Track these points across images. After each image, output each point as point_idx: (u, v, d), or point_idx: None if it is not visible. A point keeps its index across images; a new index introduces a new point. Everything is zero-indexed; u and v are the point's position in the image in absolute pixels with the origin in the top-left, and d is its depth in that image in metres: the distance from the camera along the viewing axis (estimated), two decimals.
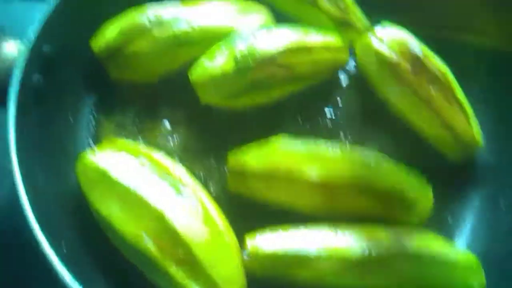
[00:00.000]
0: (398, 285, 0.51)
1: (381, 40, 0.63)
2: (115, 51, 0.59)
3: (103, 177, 0.50)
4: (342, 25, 0.68)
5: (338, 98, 0.66)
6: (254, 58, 0.57)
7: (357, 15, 0.69)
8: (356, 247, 0.51)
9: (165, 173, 0.51)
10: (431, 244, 0.53)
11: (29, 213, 0.46)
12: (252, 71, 0.57)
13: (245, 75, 0.57)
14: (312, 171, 0.53)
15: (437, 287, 0.52)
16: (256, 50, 0.58)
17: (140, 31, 0.59)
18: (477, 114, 0.62)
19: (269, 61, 0.58)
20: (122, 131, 0.61)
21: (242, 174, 0.55)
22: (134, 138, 0.61)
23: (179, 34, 0.60)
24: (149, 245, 0.47)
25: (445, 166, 0.62)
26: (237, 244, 0.52)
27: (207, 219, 0.50)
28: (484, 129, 0.62)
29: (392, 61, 0.62)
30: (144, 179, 0.50)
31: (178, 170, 0.53)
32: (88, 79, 0.62)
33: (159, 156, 0.54)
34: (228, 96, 0.59)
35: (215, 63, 0.58)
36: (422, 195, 0.56)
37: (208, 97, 0.60)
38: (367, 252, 0.51)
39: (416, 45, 0.63)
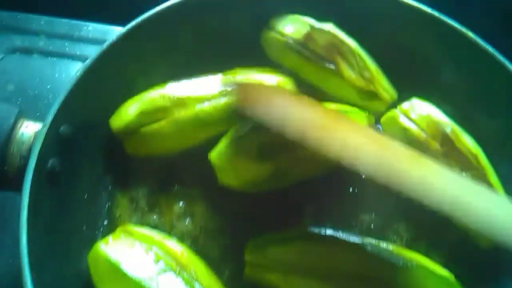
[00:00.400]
0: None
1: (408, 115, 0.61)
2: (134, 131, 0.58)
3: (115, 271, 0.49)
4: (367, 95, 0.65)
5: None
6: (279, 146, 0.55)
7: (384, 85, 0.66)
8: None
9: (180, 268, 0.50)
10: None
11: None
12: (277, 159, 0.55)
13: (269, 163, 0.55)
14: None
15: None
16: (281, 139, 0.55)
17: (161, 112, 0.58)
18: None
19: (296, 148, 0.54)
20: (137, 208, 0.60)
21: (261, 266, 0.52)
22: (149, 216, 0.59)
23: (201, 114, 0.58)
24: None
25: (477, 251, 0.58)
26: None
27: None
28: None
29: (421, 140, 0.59)
30: (158, 275, 0.48)
31: (194, 263, 0.51)
32: (105, 157, 0.61)
33: (175, 247, 0.52)
34: (249, 183, 0.57)
35: (236, 150, 0.56)
36: None
37: (227, 181, 0.58)
38: None
39: (446, 123, 0.59)
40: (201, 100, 0.58)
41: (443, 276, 0.53)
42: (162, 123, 0.58)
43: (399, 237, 0.59)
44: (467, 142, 0.59)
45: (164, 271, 0.50)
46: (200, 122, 0.58)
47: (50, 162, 0.52)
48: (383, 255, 0.53)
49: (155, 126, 0.58)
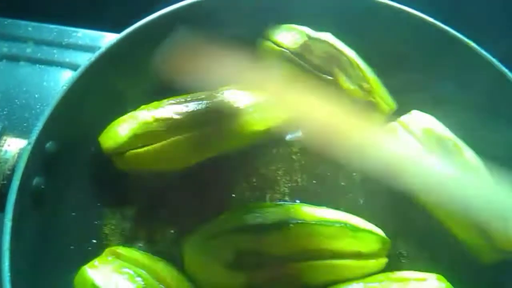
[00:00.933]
0: None
1: (408, 128, 0.59)
2: (125, 151, 0.55)
3: None
4: (365, 106, 0.63)
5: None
6: (257, 257, 0.48)
7: (383, 96, 0.64)
8: None
9: None
10: None
11: None
12: (251, 272, 0.49)
13: (242, 275, 0.49)
14: None
15: None
16: (262, 248, 0.49)
17: (154, 136, 0.55)
18: None
19: (275, 264, 0.49)
20: (126, 227, 0.57)
21: None
22: (138, 236, 0.57)
23: (194, 139, 0.55)
24: None
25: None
26: None
27: None
28: None
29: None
30: None
31: None
32: (92, 174, 0.58)
33: (164, 270, 0.50)
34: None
35: (210, 249, 0.50)
36: None
37: (196, 278, 0.50)
38: None
39: (447, 136, 0.58)
40: (195, 124, 0.56)
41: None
42: (155, 146, 0.55)
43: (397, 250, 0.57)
44: (469, 155, 0.57)
45: None
46: (193, 147, 0.56)
47: (35, 180, 0.50)
48: None
49: (146, 148, 0.55)
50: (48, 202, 0.52)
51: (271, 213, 0.52)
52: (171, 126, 0.55)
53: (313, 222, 0.51)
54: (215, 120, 0.57)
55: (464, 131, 0.60)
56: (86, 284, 0.48)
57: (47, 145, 0.51)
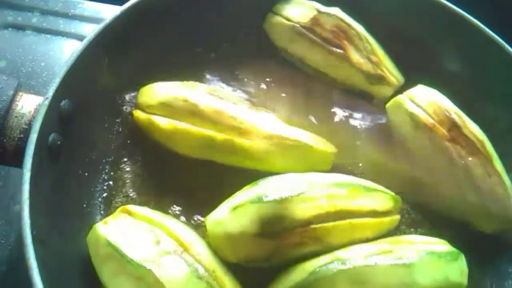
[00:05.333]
0: None
1: (415, 101, 0.60)
2: (153, 112, 0.57)
3: (114, 253, 0.47)
4: (374, 80, 0.65)
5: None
6: (282, 223, 0.49)
7: (390, 70, 0.66)
8: None
9: (182, 250, 0.48)
10: None
11: (34, 272, 0.42)
12: (278, 239, 0.49)
13: (268, 242, 0.49)
14: None
15: None
16: (286, 214, 0.49)
17: (178, 114, 0.56)
18: None
19: (300, 228, 0.49)
20: (137, 186, 0.58)
21: None
22: (148, 198, 0.58)
23: (210, 139, 0.56)
24: None
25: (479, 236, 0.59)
26: None
27: None
28: None
29: (428, 124, 0.58)
30: (159, 257, 0.47)
31: (196, 244, 0.50)
32: (105, 134, 0.59)
33: (177, 227, 0.50)
34: (246, 259, 0.51)
35: (236, 221, 0.50)
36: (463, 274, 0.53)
37: (222, 254, 0.51)
38: None
39: (453, 109, 0.59)
40: (219, 126, 0.56)
41: None
42: (174, 123, 0.56)
43: (403, 217, 0.59)
44: (474, 128, 0.59)
45: (166, 253, 0.48)
46: (204, 144, 0.56)
47: (51, 137, 0.50)
48: None
49: (165, 121, 0.56)
50: (63, 159, 0.52)
51: (289, 181, 0.53)
52: (196, 114, 0.56)
53: (330, 183, 0.52)
54: (240, 132, 0.56)
55: (468, 107, 0.62)
56: (99, 241, 0.48)
57: (62, 103, 0.51)
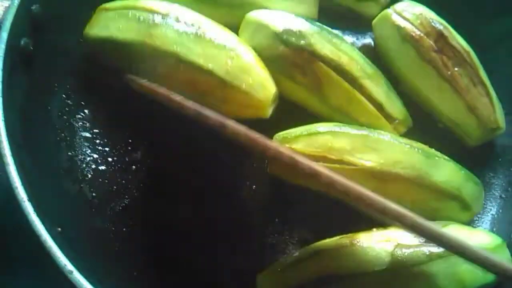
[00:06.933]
0: None
1: (401, 14, 0.59)
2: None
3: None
4: None
5: None
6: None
7: None
8: None
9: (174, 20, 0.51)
10: None
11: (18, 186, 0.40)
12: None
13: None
14: (365, 158, 0.50)
15: None
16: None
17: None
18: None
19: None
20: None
21: None
22: None
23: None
24: None
25: (463, 150, 0.59)
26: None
27: None
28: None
29: (414, 36, 0.57)
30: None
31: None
32: (78, 45, 0.55)
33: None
34: None
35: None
36: (477, 198, 0.55)
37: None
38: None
39: (439, 22, 0.58)
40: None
41: None
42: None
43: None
44: (459, 39, 0.58)
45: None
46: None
47: (23, 40, 0.47)
48: None
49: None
50: (35, 67, 0.49)
51: None
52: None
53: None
54: None
55: (455, 21, 0.61)
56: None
57: (34, 7, 0.48)
